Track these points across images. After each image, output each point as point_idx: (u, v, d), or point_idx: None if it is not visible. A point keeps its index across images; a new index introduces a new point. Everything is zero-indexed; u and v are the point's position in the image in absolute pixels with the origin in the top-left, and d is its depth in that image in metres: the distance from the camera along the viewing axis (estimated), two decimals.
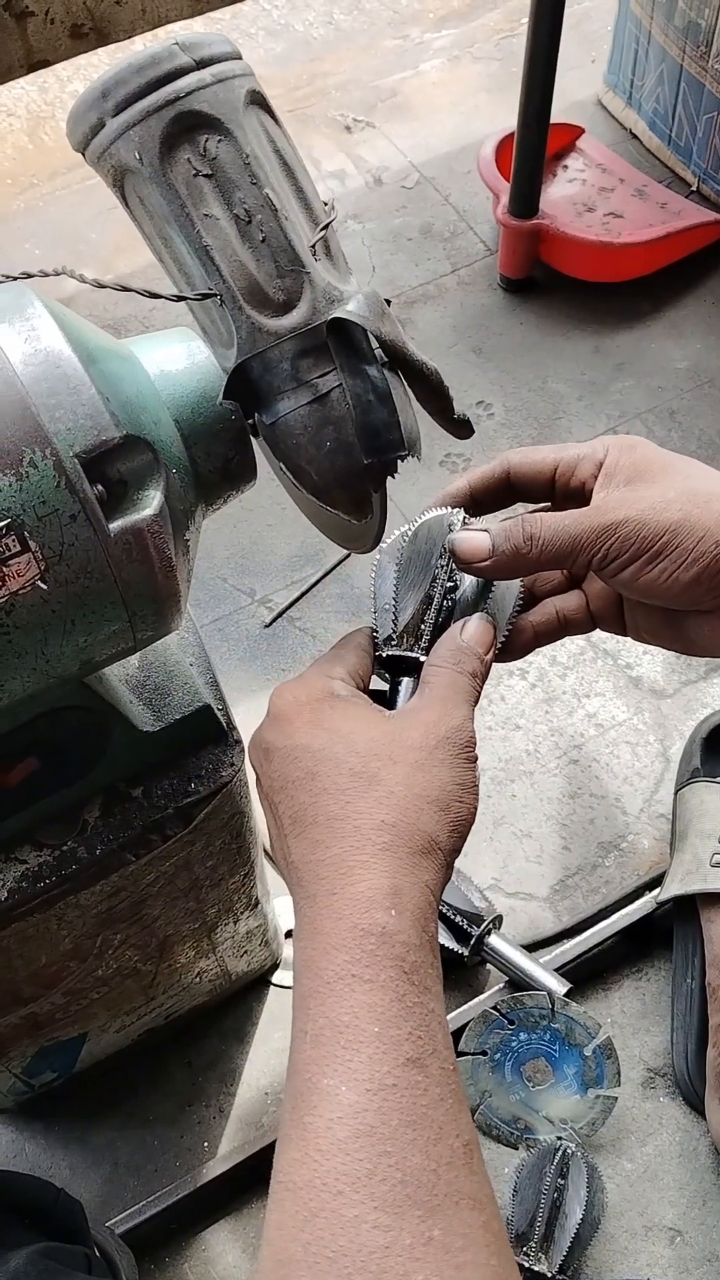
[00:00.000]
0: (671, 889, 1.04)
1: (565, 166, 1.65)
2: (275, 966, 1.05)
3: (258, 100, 0.51)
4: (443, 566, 0.57)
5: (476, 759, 0.52)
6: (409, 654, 0.57)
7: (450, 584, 0.57)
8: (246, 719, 0.71)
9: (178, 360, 0.57)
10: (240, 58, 0.51)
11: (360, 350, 0.52)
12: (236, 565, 1.34)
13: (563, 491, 0.58)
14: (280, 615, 1.27)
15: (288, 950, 1.07)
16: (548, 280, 1.57)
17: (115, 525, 0.50)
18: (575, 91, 1.82)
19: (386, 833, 0.48)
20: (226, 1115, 1.01)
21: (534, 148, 1.39)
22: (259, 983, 1.05)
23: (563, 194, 1.61)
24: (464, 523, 0.58)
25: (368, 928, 0.47)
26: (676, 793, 1.11)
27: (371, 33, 2.05)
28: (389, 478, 0.55)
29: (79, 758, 0.66)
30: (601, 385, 1.48)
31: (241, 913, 0.87)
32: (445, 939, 1.03)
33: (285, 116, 2.01)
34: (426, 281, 1.60)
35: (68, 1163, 0.99)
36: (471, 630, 0.56)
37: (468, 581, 0.58)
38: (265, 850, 1.02)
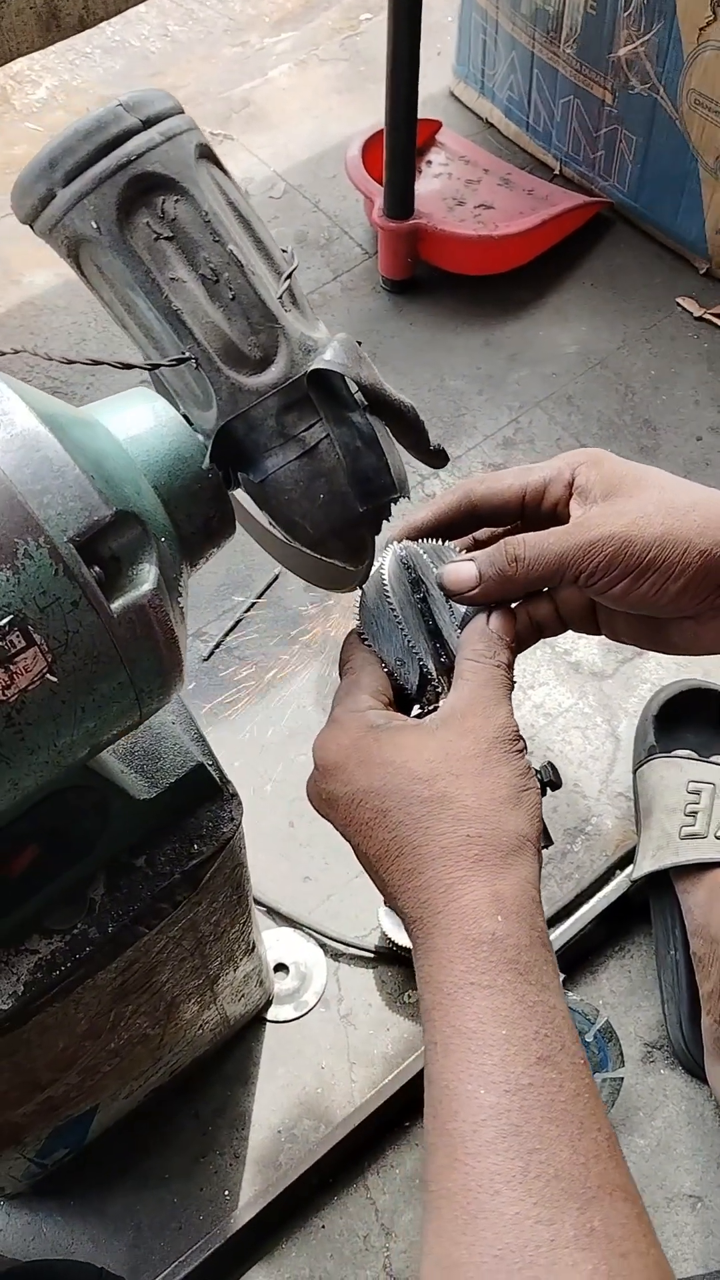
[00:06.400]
0: (645, 866, 1.06)
1: (429, 162, 1.66)
2: (269, 1003, 1.04)
3: (207, 154, 0.50)
4: (421, 599, 0.57)
5: (525, 747, 0.53)
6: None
7: (450, 612, 0.57)
8: None
9: (144, 423, 0.55)
10: (183, 111, 0.50)
11: (342, 398, 0.51)
12: None
13: (534, 516, 0.58)
14: (217, 646, 1.26)
15: (279, 984, 1.05)
16: (429, 278, 1.57)
17: (117, 605, 0.49)
18: (427, 85, 1.81)
19: (475, 845, 0.49)
20: (243, 1160, 0.99)
21: (404, 149, 1.40)
22: (255, 1022, 1.04)
23: (430, 189, 1.61)
24: (432, 550, 0.58)
25: (478, 937, 0.48)
26: (635, 771, 1.13)
27: (209, 42, 2.03)
28: (385, 521, 0.54)
29: (79, 837, 0.64)
30: (498, 378, 1.49)
31: (241, 959, 0.85)
32: None
33: None
34: (310, 291, 1.59)
35: (89, 1235, 0.96)
36: (497, 620, 0.56)
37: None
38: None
